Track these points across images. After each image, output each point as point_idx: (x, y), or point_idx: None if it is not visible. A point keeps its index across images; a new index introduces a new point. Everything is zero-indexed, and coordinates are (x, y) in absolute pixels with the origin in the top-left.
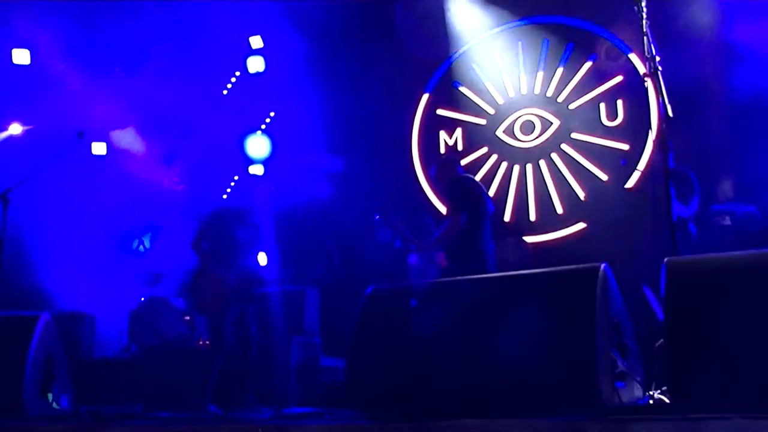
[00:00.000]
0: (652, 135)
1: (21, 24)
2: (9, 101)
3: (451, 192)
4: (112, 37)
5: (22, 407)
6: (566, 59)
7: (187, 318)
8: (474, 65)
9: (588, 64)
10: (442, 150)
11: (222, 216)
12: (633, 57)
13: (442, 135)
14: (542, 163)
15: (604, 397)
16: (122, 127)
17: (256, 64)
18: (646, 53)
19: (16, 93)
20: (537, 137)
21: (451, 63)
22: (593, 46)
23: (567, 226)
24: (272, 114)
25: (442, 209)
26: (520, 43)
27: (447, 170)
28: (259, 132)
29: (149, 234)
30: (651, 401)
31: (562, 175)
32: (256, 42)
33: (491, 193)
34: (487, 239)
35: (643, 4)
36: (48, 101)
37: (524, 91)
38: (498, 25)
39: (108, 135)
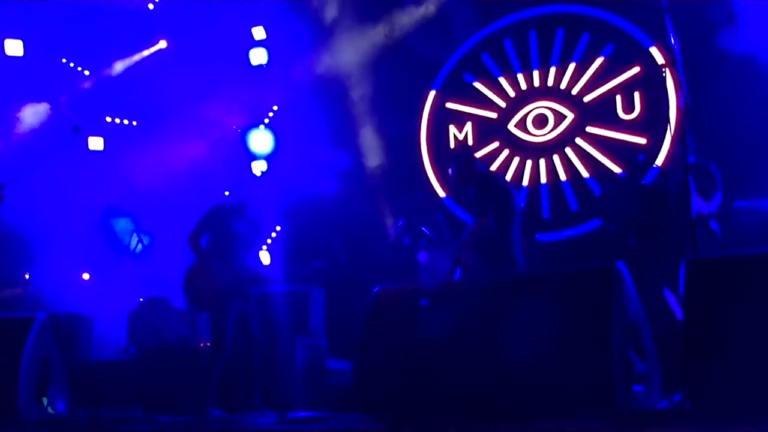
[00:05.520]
0: (670, 128)
1: (14, 14)
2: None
3: (477, 192)
4: (110, 28)
5: (17, 412)
6: (581, 50)
7: (188, 319)
8: (484, 57)
9: (604, 55)
10: (452, 145)
11: (221, 211)
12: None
13: (452, 129)
14: (556, 157)
15: (620, 401)
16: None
17: (258, 56)
18: (665, 43)
19: (10, 85)
20: (550, 131)
21: (460, 55)
22: (609, 36)
23: (581, 223)
24: (275, 108)
25: (453, 205)
26: (532, 33)
27: (466, 168)
28: (262, 126)
29: (145, 234)
30: (670, 405)
31: (577, 170)
32: (258, 33)
33: None
34: (516, 240)
35: None
36: (43, 95)
37: (537, 83)
38: (509, 15)
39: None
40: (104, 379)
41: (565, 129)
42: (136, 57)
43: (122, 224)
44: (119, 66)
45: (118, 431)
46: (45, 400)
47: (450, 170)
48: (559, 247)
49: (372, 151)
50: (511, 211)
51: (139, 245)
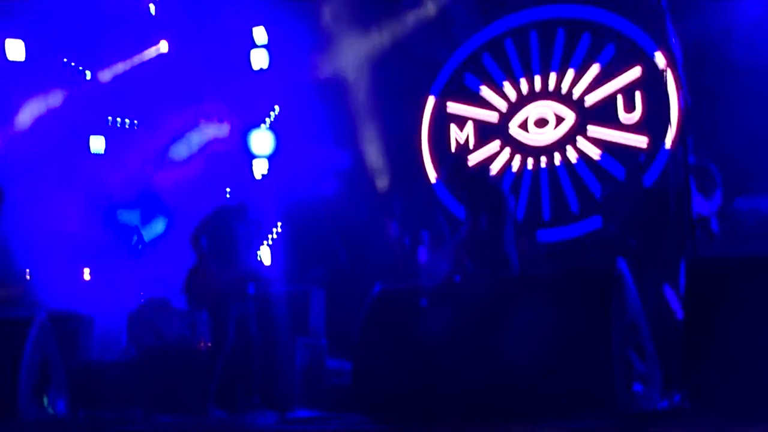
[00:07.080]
0: (671, 129)
1: (14, 14)
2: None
3: (470, 192)
4: (110, 29)
5: (17, 411)
6: (582, 50)
7: (189, 319)
8: (486, 58)
9: (605, 56)
10: (453, 146)
11: (222, 212)
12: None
13: (453, 130)
14: (557, 158)
15: (620, 401)
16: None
17: (259, 59)
18: (666, 44)
19: (11, 88)
20: (551, 132)
21: (462, 56)
22: (610, 37)
23: (582, 224)
24: (277, 108)
25: (453, 206)
26: (533, 33)
27: (459, 170)
28: (263, 127)
29: (147, 229)
30: (670, 405)
31: (577, 170)
32: (260, 36)
33: None
34: (510, 240)
35: None
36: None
37: (538, 84)
38: (510, 16)
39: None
40: (104, 380)
41: (566, 130)
42: (137, 59)
43: (126, 217)
44: (120, 67)
45: (118, 431)
46: (45, 400)
47: (442, 174)
48: (560, 246)
49: (373, 151)
50: (504, 211)
51: (137, 241)
